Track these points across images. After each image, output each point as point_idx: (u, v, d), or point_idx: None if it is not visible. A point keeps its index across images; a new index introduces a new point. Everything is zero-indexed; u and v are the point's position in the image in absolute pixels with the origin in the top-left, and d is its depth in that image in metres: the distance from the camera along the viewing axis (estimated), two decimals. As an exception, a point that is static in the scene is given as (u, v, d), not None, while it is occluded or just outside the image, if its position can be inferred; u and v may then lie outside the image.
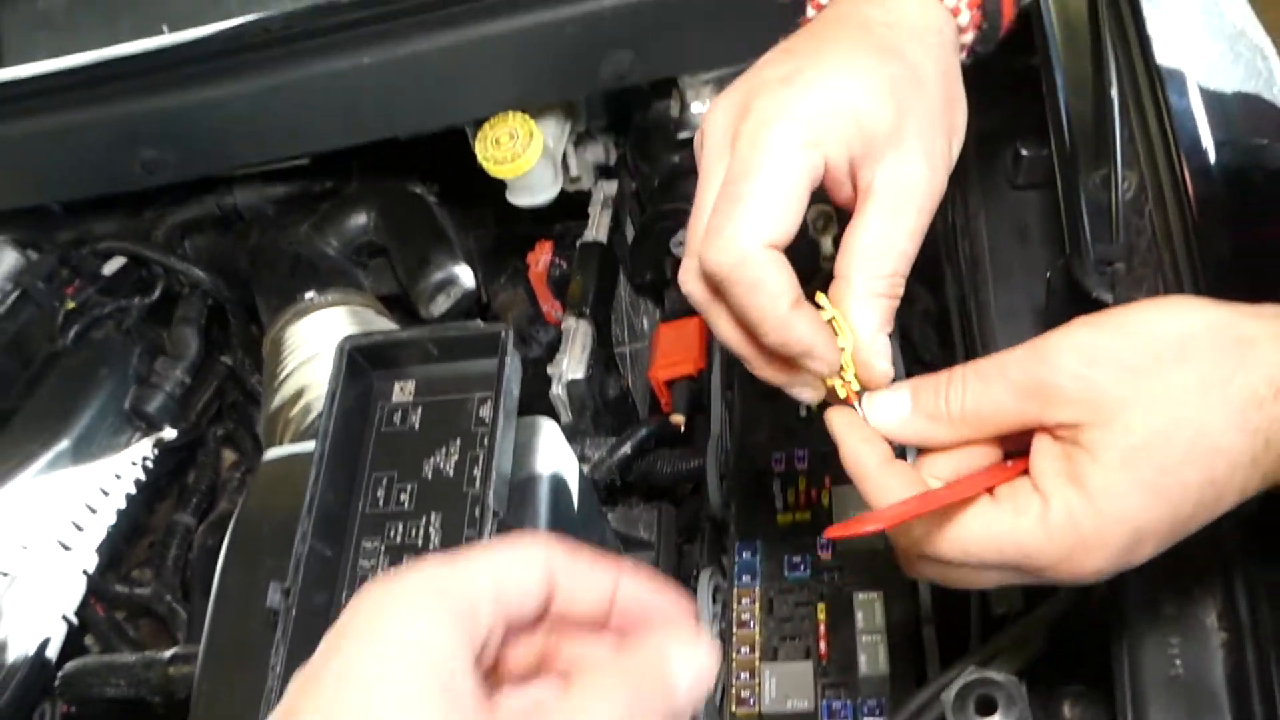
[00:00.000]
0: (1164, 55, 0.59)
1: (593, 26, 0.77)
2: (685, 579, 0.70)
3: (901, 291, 0.41)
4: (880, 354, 0.40)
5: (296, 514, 0.52)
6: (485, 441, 0.55)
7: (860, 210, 0.41)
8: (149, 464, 0.81)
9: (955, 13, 0.46)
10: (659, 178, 0.85)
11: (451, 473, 0.56)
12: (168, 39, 0.80)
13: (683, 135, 0.82)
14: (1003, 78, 0.67)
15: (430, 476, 0.56)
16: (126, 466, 0.79)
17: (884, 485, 0.38)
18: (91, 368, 0.82)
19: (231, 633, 0.56)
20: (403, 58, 0.79)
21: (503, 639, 0.32)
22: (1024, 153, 0.63)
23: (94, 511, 0.75)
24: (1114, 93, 0.57)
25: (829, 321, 0.41)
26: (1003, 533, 0.37)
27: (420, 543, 0.54)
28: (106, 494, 0.76)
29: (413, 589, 0.30)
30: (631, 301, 0.86)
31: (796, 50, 0.44)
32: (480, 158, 0.80)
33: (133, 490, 0.79)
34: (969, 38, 0.47)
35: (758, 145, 0.40)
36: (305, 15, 0.79)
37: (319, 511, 0.52)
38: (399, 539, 0.54)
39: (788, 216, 0.39)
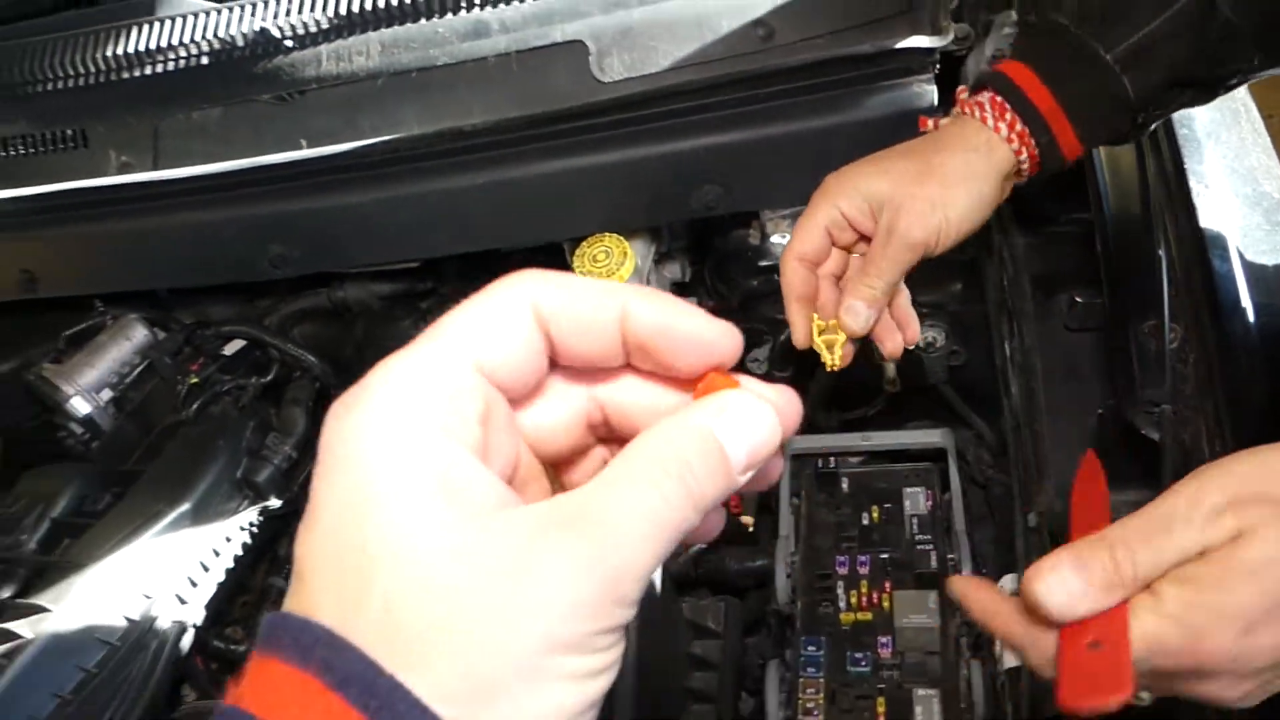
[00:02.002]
0: (1207, 221, 0.67)
1: (687, 163, 0.86)
2: (749, 669, 0.75)
3: (879, 287, 0.62)
4: (854, 315, 0.62)
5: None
6: None
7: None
8: (254, 530, 0.88)
9: (1017, 153, 0.62)
10: (737, 299, 0.93)
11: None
12: (305, 153, 0.90)
13: (763, 264, 0.91)
14: (1063, 228, 0.75)
15: None
16: (235, 531, 0.86)
17: (1046, 641, 0.42)
18: (210, 439, 0.90)
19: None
20: (514, 180, 0.88)
21: (525, 398, 0.31)
22: (1079, 300, 0.70)
23: (206, 570, 0.82)
24: (1161, 252, 0.64)
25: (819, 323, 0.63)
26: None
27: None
28: (217, 555, 0.83)
29: (379, 405, 0.28)
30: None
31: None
32: (578, 273, 0.88)
33: (240, 553, 0.86)
34: (1025, 166, 0.62)
35: (809, 205, 0.64)
36: (430, 139, 0.88)
37: None
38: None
39: (809, 242, 0.63)
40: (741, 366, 0.88)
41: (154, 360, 0.97)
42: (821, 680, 0.67)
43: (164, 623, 0.77)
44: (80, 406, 0.94)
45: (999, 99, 0.62)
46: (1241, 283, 0.62)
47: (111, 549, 0.79)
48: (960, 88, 0.67)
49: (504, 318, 0.30)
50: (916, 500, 0.74)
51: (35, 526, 0.82)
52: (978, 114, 0.62)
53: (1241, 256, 0.64)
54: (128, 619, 0.75)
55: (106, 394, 0.96)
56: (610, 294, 0.31)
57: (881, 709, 0.65)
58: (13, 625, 0.74)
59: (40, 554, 0.82)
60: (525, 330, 0.30)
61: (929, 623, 0.66)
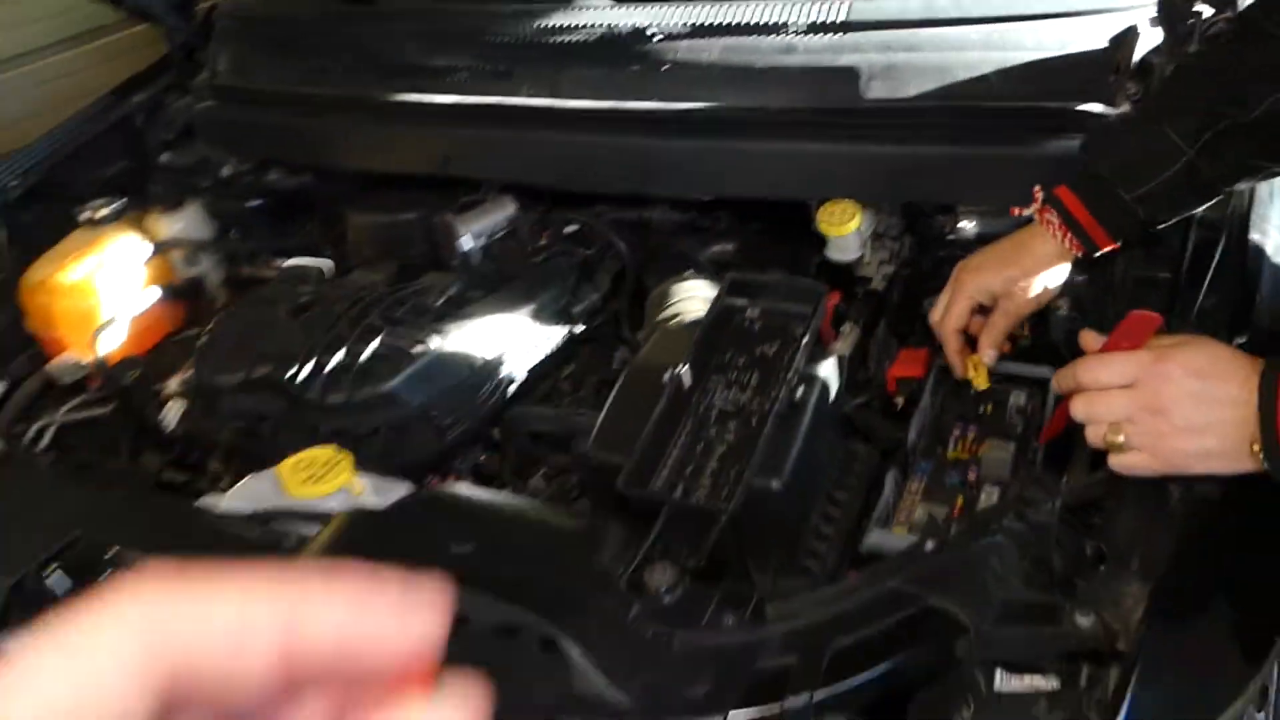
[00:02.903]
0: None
1: (912, 161, 1.24)
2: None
3: (998, 340, 1.07)
4: (989, 358, 1.06)
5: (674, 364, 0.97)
6: (801, 337, 1.00)
7: None
8: (560, 344, 1.30)
9: (1071, 249, 1.04)
10: (924, 266, 1.30)
11: (771, 358, 1.02)
12: (656, 105, 1.33)
13: (949, 236, 1.27)
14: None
15: (758, 357, 1.02)
16: (553, 341, 1.29)
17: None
18: (548, 277, 1.34)
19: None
20: (790, 150, 1.29)
21: None
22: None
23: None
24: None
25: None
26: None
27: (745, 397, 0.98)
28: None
29: None
30: (885, 339, 1.29)
31: None
32: (820, 221, 1.27)
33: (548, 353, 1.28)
34: (1078, 255, 1.04)
35: (953, 294, 1.08)
36: (742, 111, 1.30)
37: (695, 356, 0.99)
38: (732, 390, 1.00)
39: (959, 321, 1.08)
40: (918, 313, 1.24)
41: (516, 227, 1.42)
42: (923, 482, 1.03)
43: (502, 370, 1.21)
44: (465, 244, 1.40)
45: (1059, 222, 1.03)
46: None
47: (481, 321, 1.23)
48: (1037, 188, 1.05)
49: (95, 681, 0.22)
50: (1019, 398, 1.08)
51: (438, 297, 1.27)
52: (1049, 229, 1.04)
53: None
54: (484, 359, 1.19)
55: (482, 240, 1.41)
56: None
57: (959, 500, 1.00)
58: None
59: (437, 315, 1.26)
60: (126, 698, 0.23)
61: (1005, 457, 1.00)
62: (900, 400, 1.15)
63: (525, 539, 0.89)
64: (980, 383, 1.08)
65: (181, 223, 1.61)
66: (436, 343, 1.18)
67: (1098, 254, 1.03)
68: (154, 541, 0.92)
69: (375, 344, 1.16)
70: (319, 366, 1.15)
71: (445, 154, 1.48)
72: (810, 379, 1.00)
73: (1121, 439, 0.78)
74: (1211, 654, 0.71)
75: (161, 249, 1.57)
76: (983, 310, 1.09)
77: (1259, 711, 0.69)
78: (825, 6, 1.29)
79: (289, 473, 0.98)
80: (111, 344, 1.47)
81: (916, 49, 1.24)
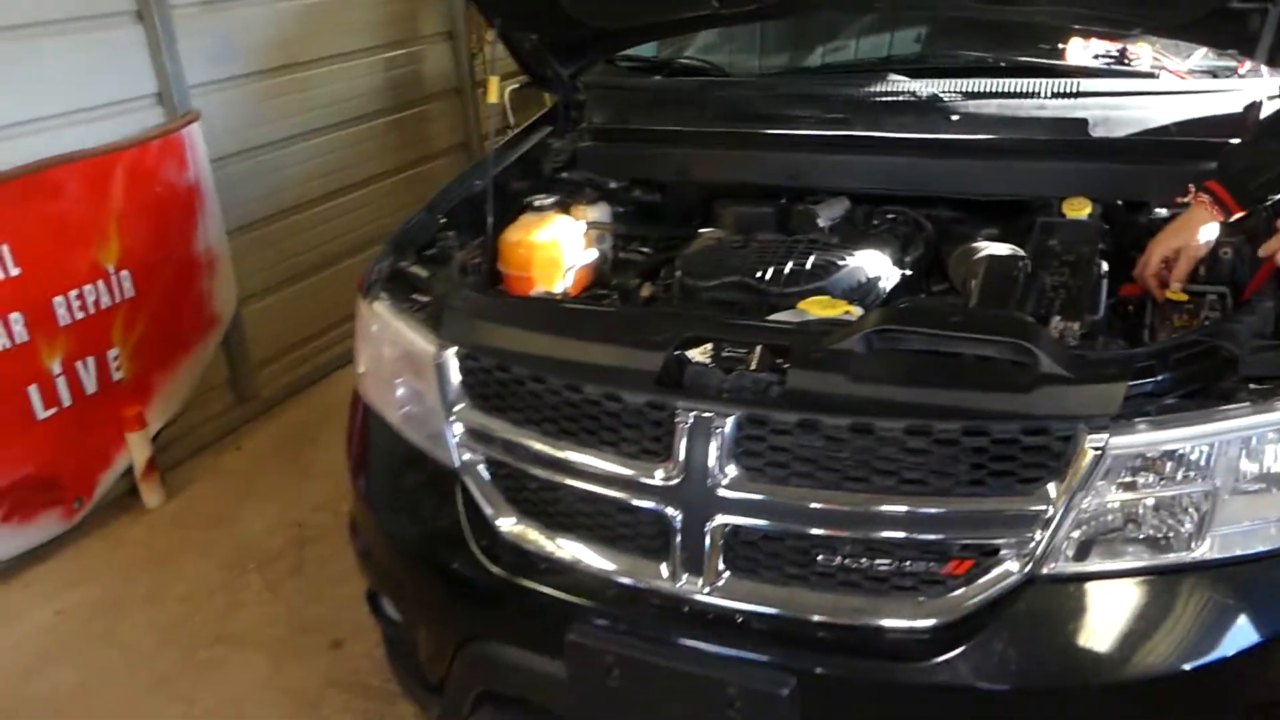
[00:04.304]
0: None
1: (1122, 176, 2.02)
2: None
3: (1182, 277, 1.79)
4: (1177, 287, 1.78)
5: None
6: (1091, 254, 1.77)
7: None
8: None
9: (1217, 215, 1.79)
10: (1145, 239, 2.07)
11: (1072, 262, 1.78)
12: (951, 136, 2.12)
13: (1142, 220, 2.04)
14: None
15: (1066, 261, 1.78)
16: (895, 278, 2.04)
17: None
18: (883, 243, 2.10)
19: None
20: (1056, 168, 2.06)
21: None
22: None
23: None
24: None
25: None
26: None
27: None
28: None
29: None
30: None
31: None
32: (1066, 209, 2.02)
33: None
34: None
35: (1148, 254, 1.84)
36: (995, 140, 2.09)
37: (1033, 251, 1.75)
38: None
39: (1153, 268, 1.84)
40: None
41: (851, 215, 2.19)
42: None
43: (880, 283, 1.96)
44: (822, 223, 2.16)
45: (1209, 201, 1.78)
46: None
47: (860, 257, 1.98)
48: (1190, 185, 1.82)
49: None
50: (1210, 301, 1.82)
51: (829, 245, 2.02)
52: (1204, 207, 1.78)
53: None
54: (871, 276, 1.94)
55: (830, 223, 2.17)
56: None
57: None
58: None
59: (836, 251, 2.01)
60: None
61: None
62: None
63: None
64: (1177, 297, 1.81)
65: (597, 212, 2.38)
66: (846, 261, 1.93)
67: (1233, 219, 1.79)
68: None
69: (813, 258, 1.91)
70: (778, 271, 1.90)
71: (792, 171, 2.26)
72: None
73: None
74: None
75: (591, 227, 2.32)
76: (1166, 265, 1.83)
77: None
78: (1063, 84, 2.10)
79: (813, 306, 1.72)
80: (567, 283, 2.22)
81: (1123, 109, 2.05)
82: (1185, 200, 1.87)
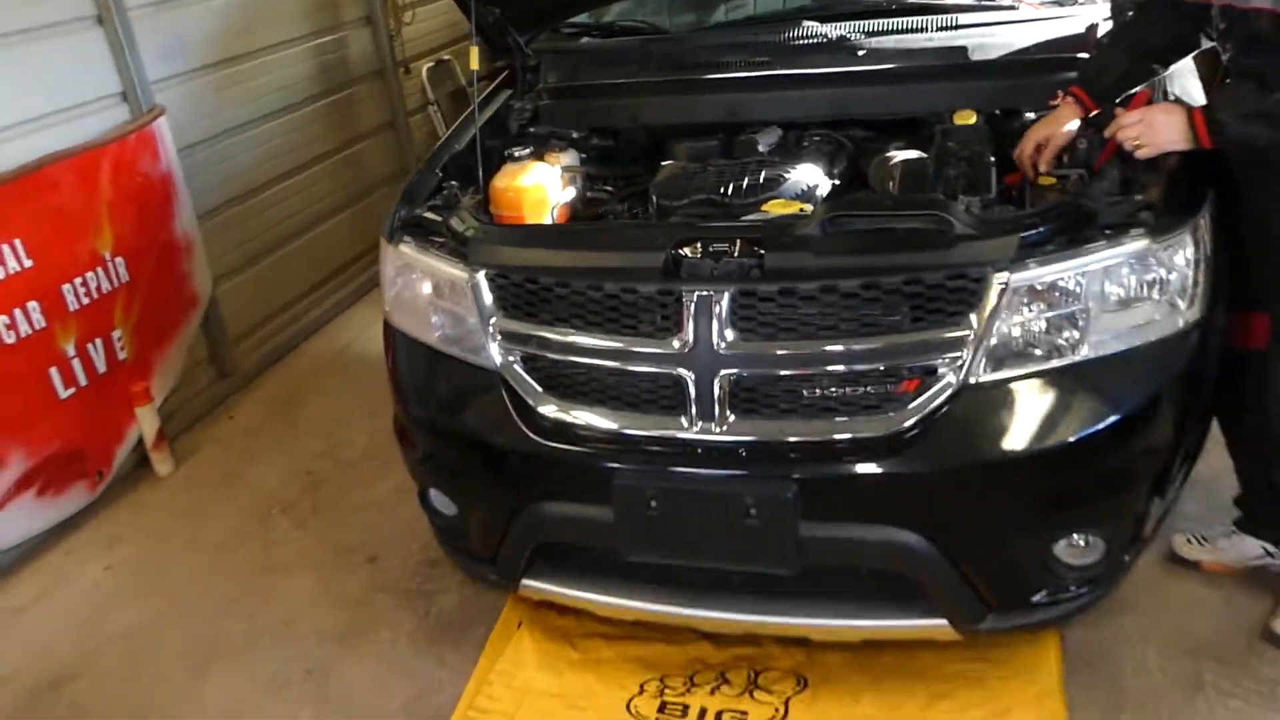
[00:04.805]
0: None
1: (1000, 90, 2.53)
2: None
3: (1049, 160, 2.34)
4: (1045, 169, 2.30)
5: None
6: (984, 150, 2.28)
7: None
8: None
9: (1079, 113, 2.35)
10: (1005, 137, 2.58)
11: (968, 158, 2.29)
12: (859, 68, 2.60)
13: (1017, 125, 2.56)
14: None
15: (964, 158, 2.29)
16: (828, 185, 2.51)
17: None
18: (815, 159, 2.57)
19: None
20: (947, 87, 2.56)
21: None
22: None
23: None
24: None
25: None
26: None
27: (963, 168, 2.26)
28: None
29: None
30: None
31: None
32: (956, 119, 2.52)
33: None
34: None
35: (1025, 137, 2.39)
36: (910, 68, 2.58)
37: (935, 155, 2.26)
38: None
39: (1027, 149, 2.38)
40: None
41: (785, 141, 2.66)
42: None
43: (817, 191, 2.44)
44: (763, 149, 2.62)
45: (1072, 100, 2.32)
46: None
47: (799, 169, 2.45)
48: (1059, 91, 2.36)
49: None
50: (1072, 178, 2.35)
51: (773, 163, 2.48)
52: (1069, 105, 2.31)
53: None
54: (810, 184, 2.41)
55: (768, 148, 2.64)
56: None
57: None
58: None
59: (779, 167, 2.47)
60: None
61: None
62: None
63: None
64: (1046, 181, 2.32)
65: (568, 158, 2.79)
66: (789, 174, 2.39)
67: (1091, 115, 2.31)
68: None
69: (764, 173, 2.37)
70: (737, 187, 2.35)
71: (730, 109, 2.71)
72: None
73: (1140, 141, 2.05)
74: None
75: (565, 170, 2.74)
76: (1038, 150, 2.34)
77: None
78: (945, 19, 2.60)
79: (773, 207, 2.19)
80: (553, 219, 2.64)
81: (994, 36, 2.56)
82: (1055, 103, 2.38)
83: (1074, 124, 2.31)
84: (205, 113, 4.03)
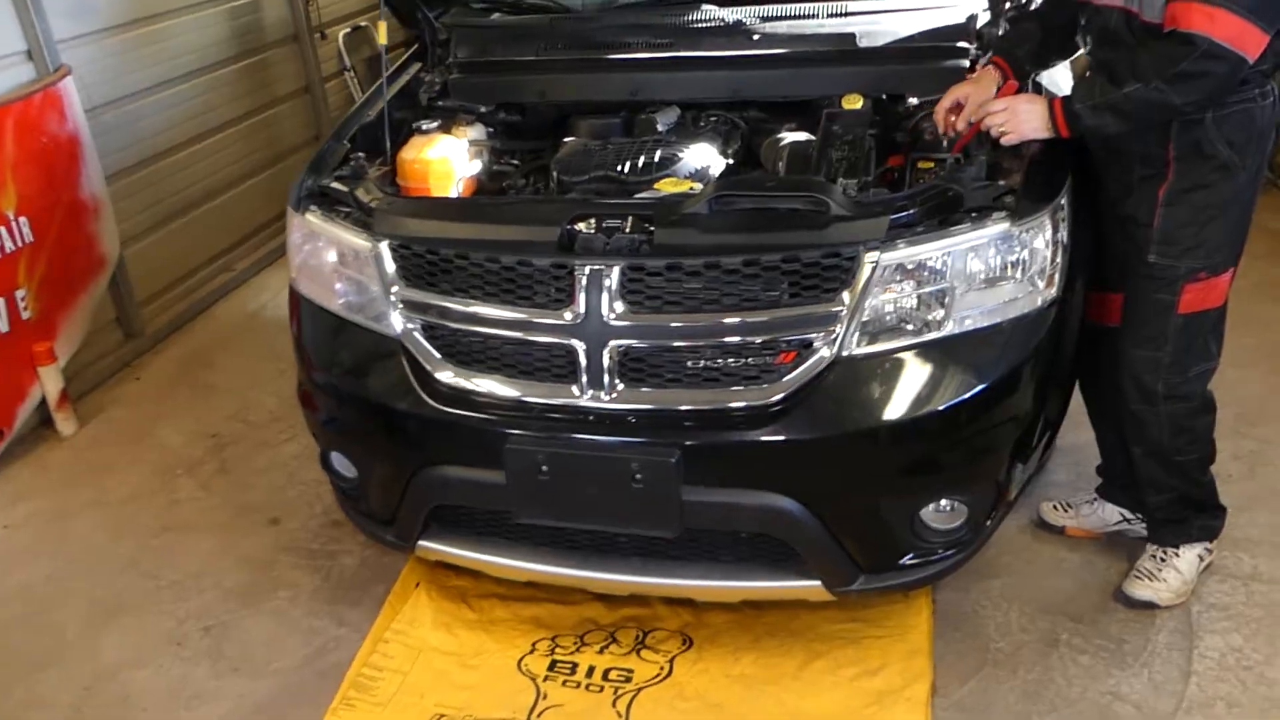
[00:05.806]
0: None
1: (879, 72, 2.65)
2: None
3: (968, 120, 2.38)
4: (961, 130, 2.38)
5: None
6: (864, 135, 2.40)
7: None
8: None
9: (998, 80, 2.44)
10: (889, 123, 2.71)
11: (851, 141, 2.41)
12: (754, 53, 2.70)
13: (901, 109, 2.69)
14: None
15: (848, 141, 2.41)
16: (722, 165, 2.61)
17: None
18: (710, 139, 2.67)
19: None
20: (837, 73, 2.67)
21: None
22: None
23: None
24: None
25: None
26: None
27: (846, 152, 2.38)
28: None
29: None
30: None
31: None
32: (844, 102, 2.63)
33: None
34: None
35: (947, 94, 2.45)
36: (802, 53, 2.69)
37: (820, 139, 2.38)
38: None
39: (946, 105, 2.44)
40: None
41: (683, 120, 2.75)
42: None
43: (710, 170, 2.54)
44: (661, 127, 2.71)
45: (994, 69, 2.42)
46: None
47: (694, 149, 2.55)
48: (983, 59, 2.48)
49: None
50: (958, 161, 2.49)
51: (669, 142, 2.57)
52: (991, 72, 2.41)
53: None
54: (705, 164, 2.51)
55: (666, 127, 2.73)
56: None
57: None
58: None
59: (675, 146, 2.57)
60: None
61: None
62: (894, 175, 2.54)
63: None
64: (925, 165, 2.45)
65: (475, 132, 2.85)
66: (684, 153, 2.49)
67: (1008, 81, 2.43)
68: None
69: (660, 152, 2.46)
70: (634, 165, 2.44)
71: (632, 88, 2.80)
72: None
73: (1005, 129, 2.19)
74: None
75: (471, 144, 2.80)
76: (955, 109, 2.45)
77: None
78: (834, 6, 2.71)
79: (665, 186, 2.28)
80: (458, 191, 2.70)
81: (880, 24, 2.67)
82: (974, 76, 2.48)
83: (992, 86, 2.40)
84: (115, 73, 3.99)
